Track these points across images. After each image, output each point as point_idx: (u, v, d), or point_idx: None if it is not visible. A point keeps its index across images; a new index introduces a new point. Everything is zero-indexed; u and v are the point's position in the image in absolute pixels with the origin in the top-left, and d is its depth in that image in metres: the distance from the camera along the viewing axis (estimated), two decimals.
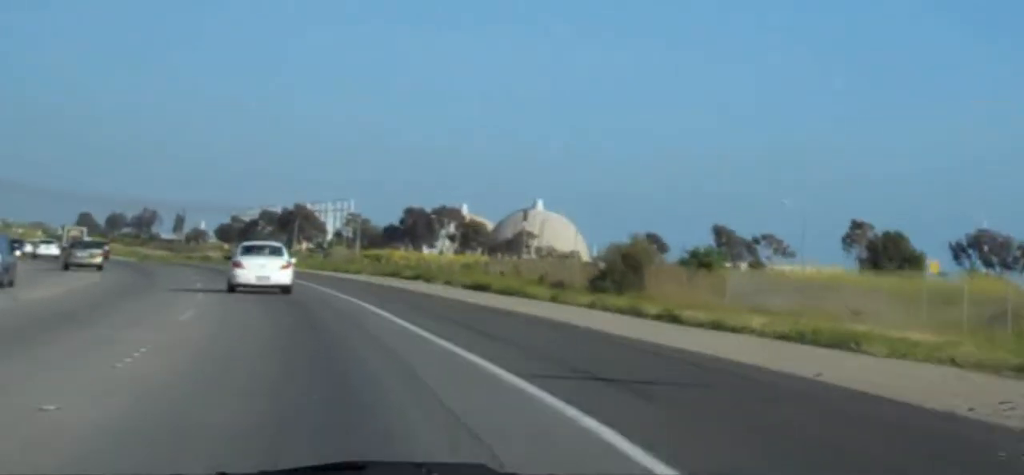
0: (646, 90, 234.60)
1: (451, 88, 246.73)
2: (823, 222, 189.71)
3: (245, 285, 37.02)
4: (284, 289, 36.94)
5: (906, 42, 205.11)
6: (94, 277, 48.67)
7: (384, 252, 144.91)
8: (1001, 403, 14.33)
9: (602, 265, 54.48)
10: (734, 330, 28.72)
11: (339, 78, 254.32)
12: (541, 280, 61.62)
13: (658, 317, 33.84)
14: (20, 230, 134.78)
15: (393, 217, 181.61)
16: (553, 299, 44.07)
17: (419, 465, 3.99)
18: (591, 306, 39.76)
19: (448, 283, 60.17)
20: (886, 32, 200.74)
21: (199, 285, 43.42)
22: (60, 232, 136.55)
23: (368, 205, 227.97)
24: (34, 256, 76.76)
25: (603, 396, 13.46)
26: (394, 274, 72.82)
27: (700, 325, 30.62)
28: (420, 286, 57.43)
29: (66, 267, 58.61)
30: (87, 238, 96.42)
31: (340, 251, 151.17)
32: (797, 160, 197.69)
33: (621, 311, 36.69)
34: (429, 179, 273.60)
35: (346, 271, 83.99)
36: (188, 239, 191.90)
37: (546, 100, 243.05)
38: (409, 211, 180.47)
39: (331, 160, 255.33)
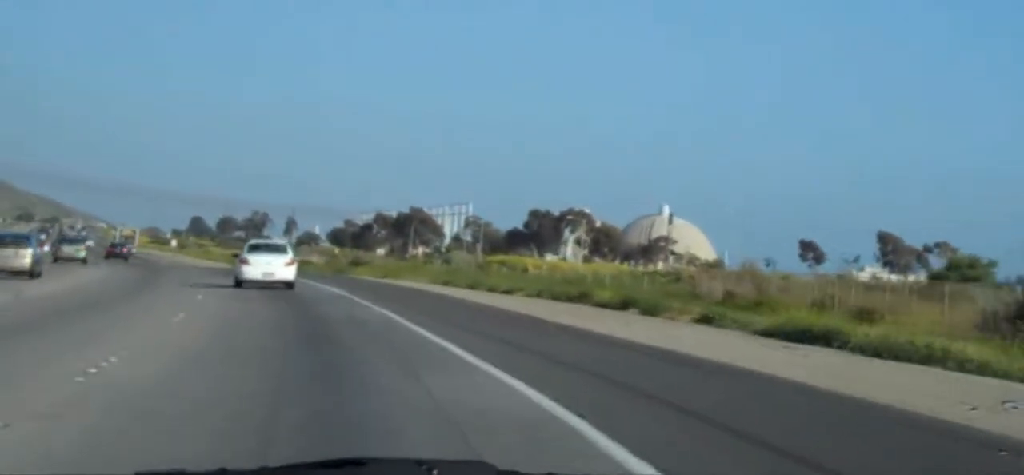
0: (777, 94, 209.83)
1: (571, 88, 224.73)
2: (983, 228, 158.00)
3: (251, 281, 36.75)
4: (287, 285, 36.92)
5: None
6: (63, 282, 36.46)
7: (509, 258, 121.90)
8: None
9: None
10: None
11: (453, 79, 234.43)
12: (824, 307, 35.03)
13: None
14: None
15: (512, 221, 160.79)
16: None
17: (420, 462, 3.21)
18: None
19: (704, 321, 32.44)
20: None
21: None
22: (168, 235, 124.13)
23: (485, 208, 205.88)
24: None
25: None
26: (581, 297, 43.11)
27: None
28: (681, 334, 28.13)
29: (55, 260, 58.68)
30: (76, 233, 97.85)
31: (461, 256, 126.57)
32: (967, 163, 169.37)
33: None
34: (548, 183, 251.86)
35: (492, 289, 55.45)
36: (299, 243, 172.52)
37: (672, 103, 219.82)
38: (534, 214, 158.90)
39: (448, 163, 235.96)
